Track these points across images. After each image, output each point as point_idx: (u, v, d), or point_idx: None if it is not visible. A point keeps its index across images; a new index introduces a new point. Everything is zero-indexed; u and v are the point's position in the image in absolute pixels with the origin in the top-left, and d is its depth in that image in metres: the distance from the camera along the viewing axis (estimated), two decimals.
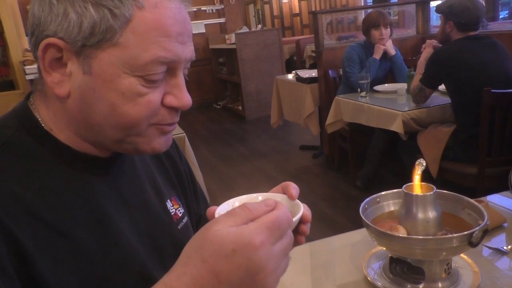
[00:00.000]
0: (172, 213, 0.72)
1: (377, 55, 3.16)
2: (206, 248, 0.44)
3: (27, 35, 5.63)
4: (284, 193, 0.59)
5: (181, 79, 0.58)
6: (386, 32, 3.15)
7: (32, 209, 0.52)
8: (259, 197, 0.59)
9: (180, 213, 0.74)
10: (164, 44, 0.53)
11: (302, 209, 0.55)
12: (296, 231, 0.57)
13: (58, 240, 0.53)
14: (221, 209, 0.55)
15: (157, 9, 0.53)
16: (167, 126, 0.59)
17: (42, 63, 0.54)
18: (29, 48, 5.12)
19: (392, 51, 3.20)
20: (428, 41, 2.67)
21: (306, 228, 0.59)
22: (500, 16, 4.69)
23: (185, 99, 0.58)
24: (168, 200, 0.73)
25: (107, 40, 0.52)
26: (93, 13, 0.51)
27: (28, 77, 4.72)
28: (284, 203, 0.57)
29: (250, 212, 0.46)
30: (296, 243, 0.60)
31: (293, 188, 0.58)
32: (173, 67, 0.56)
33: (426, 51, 2.59)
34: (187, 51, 0.57)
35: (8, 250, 0.48)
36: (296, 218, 0.53)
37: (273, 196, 0.60)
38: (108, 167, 0.63)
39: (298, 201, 0.58)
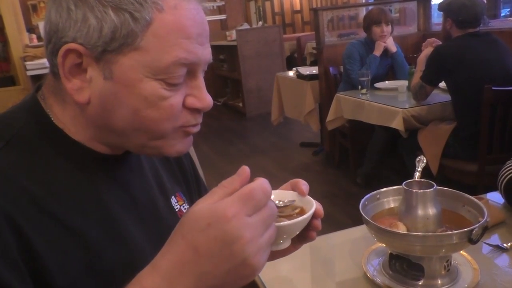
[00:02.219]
0: (177, 210, 0.72)
1: (378, 52, 3.15)
2: (184, 225, 0.46)
3: (27, 31, 5.64)
4: (293, 190, 0.60)
5: (201, 81, 0.58)
6: (387, 29, 3.14)
7: (40, 203, 0.52)
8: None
9: (185, 209, 0.74)
10: (185, 46, 0.53)
11: (315, 205, 0.56)
12: (309, 226, 0.58)
13: (66, 235, 0.53)
14: None
15: (176, 11, 0.52)
16: (191, 127, 0.59)
17: (62, 69, 0.53)
18: (29, 44, 5.12)
19: (393, 48, 3.19)
20: (429, 39, 2.67)
21: (319, 223, 0.59)
22: (502, 14, 4.67)
23: (206, 99, 0.58)
24: (173, 197, 0.73)
25: (129, 45, 0.51)
26: (113, 18, 0.50)
27: (29, 73, 4.71)
28: (295, 199, 0.58)
29: (226, 188, 0.48)
30: (309, 238, 0.61)
31: (303, 184, 0.59)
32: (193, 69, 0.56)
33: (427, 49, 2.58)
34: (206, 53, 0.57)
35: (17, 244, 0.48)
36: (309, 214, 0.54)
37: (284, 193, 0.60)
38: (116, 164, 0.63)
39: (309, 197, 0.59)
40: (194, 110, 0.58)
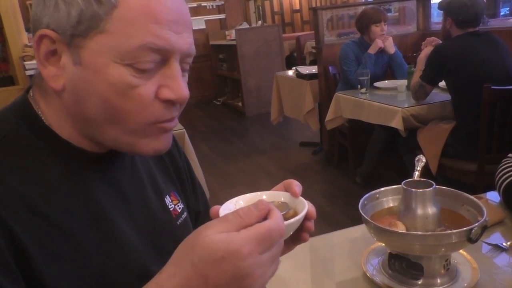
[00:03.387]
0: (171, 209, 0.72)
1: (372, 50, 3.15)
2: (196, 252, 0.46)
3: (26, 31, 5.64)
4: (287, 190, 0.59)
5: (176, 70, 0.55)
6: (385, 28, 3.15)
7: (30, 204, 0.52)
8: (263, 195, 0.59)
9: (180, 208, 0.74)
10: (153, 30, 0.51)
11: (307, 207, 0.55)
12: (301, 228, 0.58)
13: (57, 235, 0.53)
14: (225, 208, 0.55)
15: None
16: (166, 123, 0.57)
17: (38, 55, 0.54)
18: (28, 44, 5.13)
19: (391, 49, 3.19)
20: (428, 39, 2.67)
21: (311, 224, 0.59)
22: (501, 13, 4.67)
23: (180, 90, 0.55)
24: (167, 196, 0.73)
25: (94, 28, 0.51)
26: (79, 1, 0.51)
27: (28, 73, 4.71)
28: (287, 200, 0.58)
29: (242, 220, 0.47)
30: (301, 240, 0.61)
31: (296, 185, 0.58)
32: (166, 57, 0.54)
33: (427, 48, 2.58)
34: (183, 43, 0.55)
35: (8, 245, 0.48)
36: (300, 216, 0.54)
37: (277, 194, 0.60)
38: (107, 163, 0.62)
39: (302, 198, 0.58)
40: (168, 103, 0.55)
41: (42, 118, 0.58)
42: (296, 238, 0.60)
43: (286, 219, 0.52)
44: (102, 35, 0.51)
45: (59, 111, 0.58)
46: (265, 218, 0.48)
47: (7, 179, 0.52)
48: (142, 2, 0.51)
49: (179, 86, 0.55)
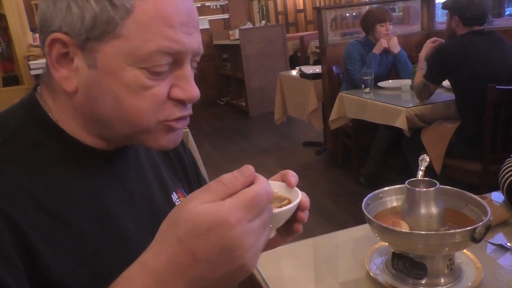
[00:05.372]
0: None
1: (377, 50, 3.15)
2: (180, 227, 0.44)
3: (31, 31, 5.67)
4: (283, 181, 0.60)
5: (188, 71, 0.56)
6: (390, 27, 3.15)
7: (37, 199, 0.52)
8: None
9: None
10: (168, 34, 0.52)
11: (300, 196, 0.55)
12: (294, 218, 0.58)
13: (63, 230, 0.53)
14: None
15: None
16: (174, 122, 0.58)
17: (50, 59, 0.54)
18: (33, 43, 5.15)
19: (396, 49, 3.19)
20: (428, 41, 2.66)
21: (304, 215, 0.59)
22: (506, 13, 4.65)
23: (192, 90, 0.56)
24: (174, 193, 0.73)
25: (109, 32, 0.52)
26: (94, 5, 0.51)
27: (33, 72, 4.73)
28: (282, 190, 0.58)
29: (226, 187, 0.45)
30: (294, 231, 0.61)
31: (292, 175, 0.58)
32: (179, 59, 0.55)
33: (427, 47, 2.58)
34: (194, 42, 0.56)
35: (13, 240, 0.48)
36: (293, 204, 0.54)
37: (272, 184, 0.60)
38: (113, 160, 0.63)
39: (296, 188, 0.58)
40: (179, 102, 0.57)
41: (50, 115, 0.58)
42: (290, 229, 0.60)
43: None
44: (117, 39, 0.52)
45: (67, 110, 0.58)
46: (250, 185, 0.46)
47: (14, 175, 0.52)
48: (156, 5, 0.52)
49: (190, 86, 0.56)
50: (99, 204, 0.59)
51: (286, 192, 0.58)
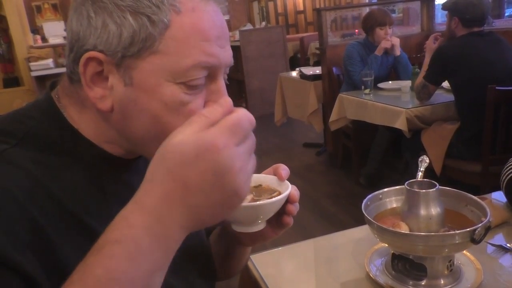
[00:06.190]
0: None
1: (379, 52, 3.15)
2: (168, 160, 0.44)
3: (32, 32, 5.67)
4: (274, 174, 0.61)
5: (222, 84, 0.57)
6: (390, 31, 3.15)
7: (55, 197, 0.52)
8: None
9: None
10: (204, 48, 0.52)
11: (290, 189, 0.56)
12: (283, 211, 0.59)
13: (79, 230, 0.53)
14: None
15: (194, 13, 0.52)
16: None
17: (84, 78, 0.53)
18: (33, 45, 5.12)
19: (398, 50, 3.19)
20: (428, 42, 2.65)
21: (294, 207, 0.60)
22: (506, 14, 4.65)
23: (227, 104, 0.56)
24: None
25: (147, 49, 0.51)
26: (132, 22, 0.50)
27: (33, 74, 4.74)
28: (273, 183, 0.60)
29: (207, 118, 0.46)
30: (284, 224, 0.61)
31: (283, 169, 0.59)
32: (214, 72, 0.55)
33: (430, 50, 2.58)
34: (227, 55, 0.56)
35: (33, 235, 0.48)
36: (282, 196, 0.55)
37: (263, 177, 0.62)
38: (124, 166, 0.63)
39: (287, 181, 0.60)
40: None
41: (66, 116, 0.58)
42: (279, 222, 0.61)
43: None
44: (155, 55, 0.51)
45: (99, 124, 0.57)
46: None
47: (32, 171, 0.51)
48: (192, 20, 0.52)
49: (225, 100, 0.56)
50: (109, 210, 0.58)
51: (276, 185, 0.60)
